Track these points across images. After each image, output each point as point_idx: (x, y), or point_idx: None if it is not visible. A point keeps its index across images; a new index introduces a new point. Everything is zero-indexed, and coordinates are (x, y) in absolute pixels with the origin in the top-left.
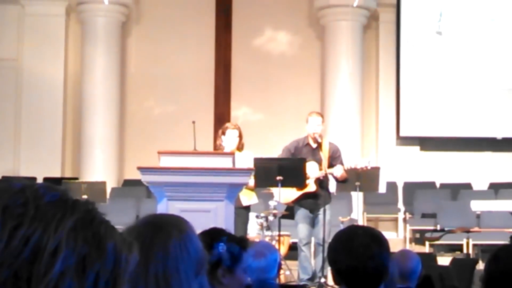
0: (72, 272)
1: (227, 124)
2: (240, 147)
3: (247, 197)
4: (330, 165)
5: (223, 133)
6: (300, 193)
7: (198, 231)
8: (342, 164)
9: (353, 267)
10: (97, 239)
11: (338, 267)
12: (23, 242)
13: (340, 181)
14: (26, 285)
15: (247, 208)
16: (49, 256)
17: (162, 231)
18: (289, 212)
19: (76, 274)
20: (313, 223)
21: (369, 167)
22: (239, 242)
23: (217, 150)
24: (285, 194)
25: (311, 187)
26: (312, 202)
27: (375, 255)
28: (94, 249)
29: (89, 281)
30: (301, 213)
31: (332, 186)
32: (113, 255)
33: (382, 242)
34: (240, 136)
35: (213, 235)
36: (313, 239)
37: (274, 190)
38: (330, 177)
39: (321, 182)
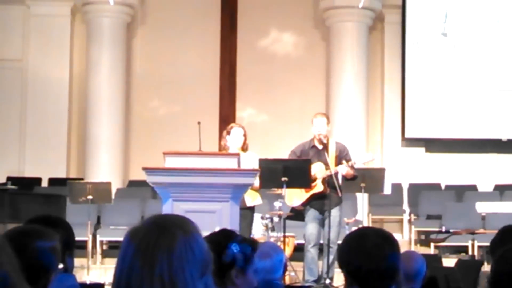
0: None
1: (232, 124)
2: (244, 148)
3: (251, 198)
4: (339, 165)
5: (228, 133)
6: (308, 195)
7: (204, 231)
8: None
9: (367, 268)
10: None
11: (351, 268)
12: None
13: (349, 179)
14: None
15: (252, 209)
16: None
17: (167, 232)
18: (294, 213)
19: None
20: (322, 224)
21: (371, 159)
22: (251, 243)
23: (222, 150)
24: (294, 198)
25: (318, 187)
26: (321, 202)
27: (388, 256)
28: None
29: None
30: (311, 214)
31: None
32: None
33: (393, 243)
34: (245, 136)
35: (226, 236)
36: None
37: (283, 191)
38: (339, 177)
39: (329, 183)
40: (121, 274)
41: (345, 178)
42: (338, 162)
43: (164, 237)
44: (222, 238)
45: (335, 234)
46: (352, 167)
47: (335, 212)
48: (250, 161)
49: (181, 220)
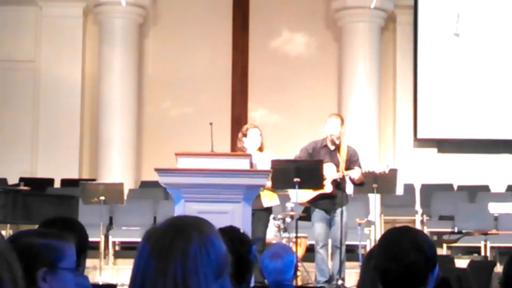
0: None
1: (247, 126)
2: (261, 148)
3: (268, 199)
4: (348, 169)
5: (244, 135)
6: (316, 193)
7: None
8: (360, 167)
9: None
10: None
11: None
12: None
13: (356, 184)
14: None
15: (268, 210)
16: None
17: (182, 233)
18: (307, 213)
19: None
20: (329, 225)
21: (386, 171)
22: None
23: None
24: (301, 194)
25: (327, 188)
26: (328, 203)
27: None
28: None
29: None
30: (317, 214)
31: (349, 188)
32: None
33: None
34: (261, 135)
35: (247, 239)
36: (329, 240)
37: (290, 191)
38: (347, 179)
39: (338, 184)
40: (137, 274)
41: (352, 181)
42: (347, 166)
43: (179, 239)
44: (249, 238)
45: (343, 234)
46: (363, 174)
47: (341, 213)
48: (267, 161)
49: (198, 222)
